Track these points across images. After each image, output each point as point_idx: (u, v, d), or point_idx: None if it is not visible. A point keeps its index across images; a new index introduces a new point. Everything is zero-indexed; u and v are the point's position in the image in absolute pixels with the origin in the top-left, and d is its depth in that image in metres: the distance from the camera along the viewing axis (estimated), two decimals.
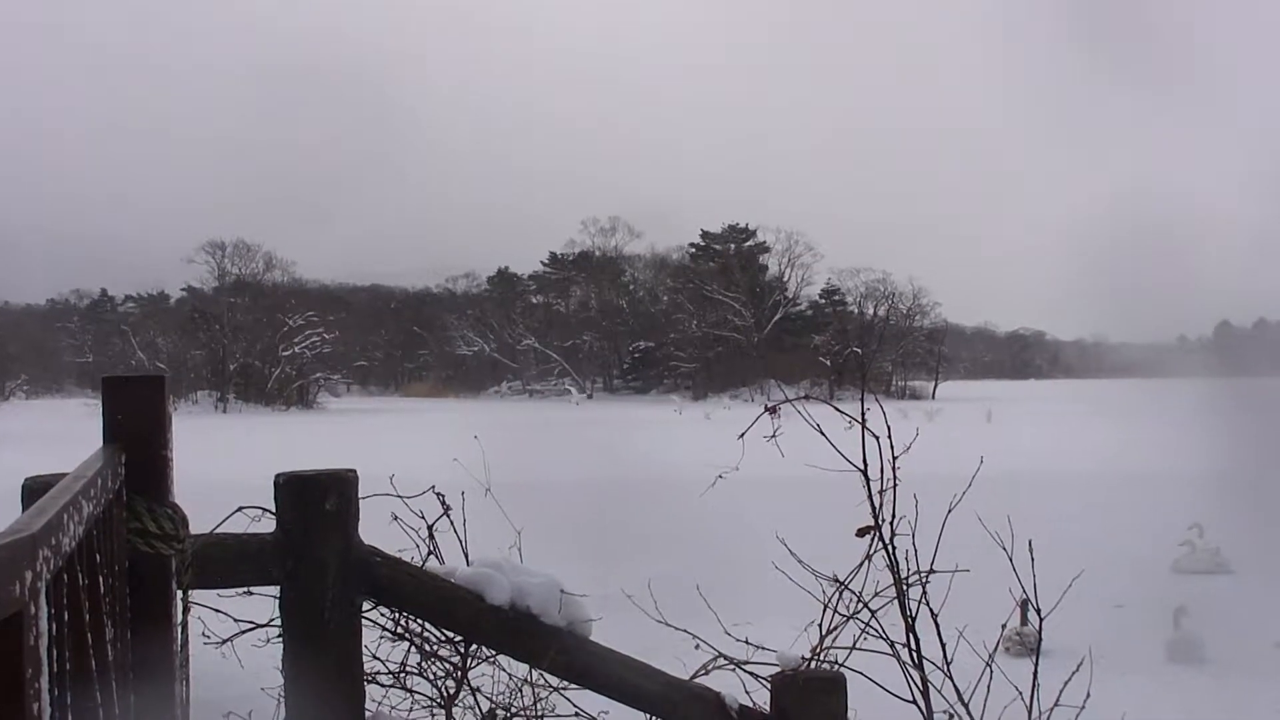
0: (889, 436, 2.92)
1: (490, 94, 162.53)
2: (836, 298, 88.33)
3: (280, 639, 2.59)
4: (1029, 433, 32.41)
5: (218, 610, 2.78)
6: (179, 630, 2.31)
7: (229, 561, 2.57)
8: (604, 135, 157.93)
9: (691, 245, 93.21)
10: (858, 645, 2.94)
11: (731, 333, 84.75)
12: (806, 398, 3.15)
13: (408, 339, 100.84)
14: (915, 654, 2.99)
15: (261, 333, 74.03)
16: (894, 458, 2.92)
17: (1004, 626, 4.26)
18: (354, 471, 2.63)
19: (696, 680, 2.88)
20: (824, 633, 2.95)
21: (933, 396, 76.90)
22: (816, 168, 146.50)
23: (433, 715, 2.86)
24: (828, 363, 75.14)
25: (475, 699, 2.87)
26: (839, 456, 2.97)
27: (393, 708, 2.88)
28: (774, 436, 2.98)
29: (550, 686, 2.90)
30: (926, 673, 2.99)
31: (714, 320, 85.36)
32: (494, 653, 2.82)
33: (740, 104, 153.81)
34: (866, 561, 2.97)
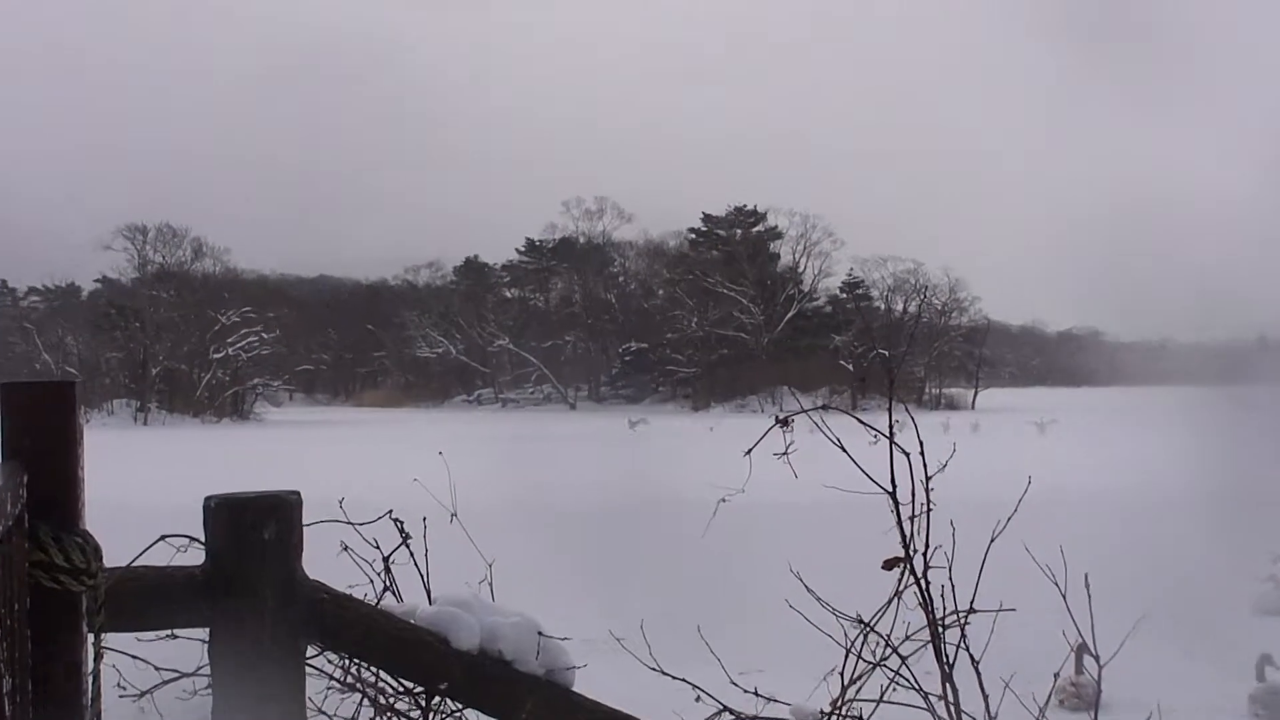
0: (921, 453, 2.92)
1: (460, 65, 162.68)
2: (859, 292, 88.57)
3: (209, 690, 2.58)
4: (1086, 449, 32.52)
5: (136, 657, 2.76)
6: (90, 681, 2.29)
7: (150, 599, 2.56)
8: (590, 111, 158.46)
9: (691, 230, 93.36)
10: (886, 697, 2.93)
11: (738, 332, 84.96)
12: (825, 408, 3.16)
13: (360, 339, 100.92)
14: (953, 707, 2.98)
15: (189, 331, 73.97)
16: (927, 478, 2.91)
17: (1057, 676, 4.26)
18: (297, 494, 2.62)
19: None
20: (846, 682, 2.95)
21: (972, 406, 77.44)
22: (834, 146, 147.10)
23: None
24: (849, 367, 75.51)
25: None
26: (863, 476, 2.97)
27: None
28: (786, 453, 2.98)
29: None
30: None
31: (717, 318, 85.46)
32: (460, 706, 2.81)
33: (749, 79, 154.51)
34: (895, 599, 2.97)
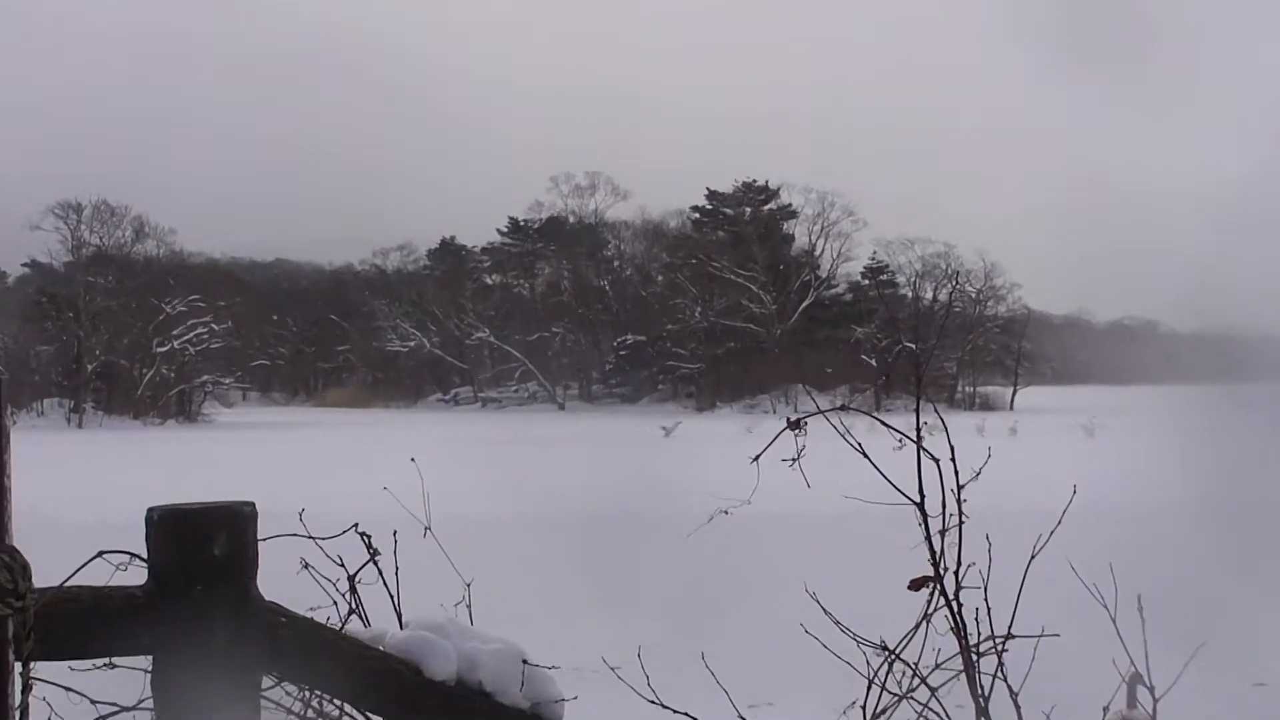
0: (952, 459, 2.92)
1: (436, 29, 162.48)
2: (884, 278, 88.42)
3: None
4: (1140, 455, 32.43)
5: (69, 689, 2.76)
6: (16, 716, 2.29)
7: (85, 624, 2.55)
8: (583, 78, 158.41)
9: (694, 209, 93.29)
10: None
11: (747, 324, 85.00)
12: (844, 408, 3.16)
13: (323, 331, 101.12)
14: None
15: (129, 322, 73.89)
16: (959, 487, 2.91)
17: (1106, 710, 4.26)
18: (251, 505, 2.62)
19: None
20: (869, 716, 2.95)
21: (1010, 406, 77.55)
22: (855, 118, 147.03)
23: None
24: (873, 363, 75.63)
25: None
26: (887, 486, 2.97)
27: None
28: (797, 459, 2.98)
29: None
30: None
31: (724, 307, 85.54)
32: None
33: (760, 43, 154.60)
34: (924, 623, 2.97)
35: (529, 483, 24.49)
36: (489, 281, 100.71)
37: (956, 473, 2.87)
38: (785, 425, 3.05)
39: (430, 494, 3.78)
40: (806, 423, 3.01)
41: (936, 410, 3.11)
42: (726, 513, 3.21)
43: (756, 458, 2.98)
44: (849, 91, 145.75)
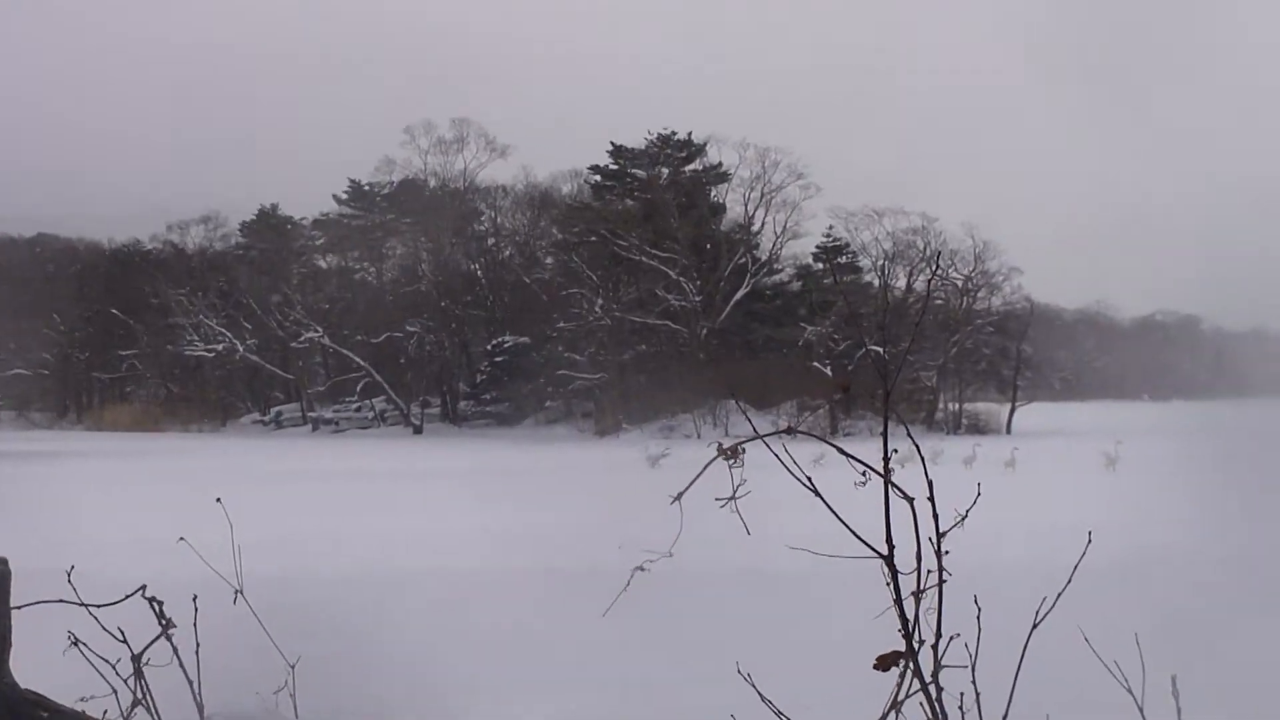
0: (931, 498, 2.91)
1: None
2: (843, 259, 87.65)
3: None
4: (1178, 492, 32.63)
5: None
6: None
7: None
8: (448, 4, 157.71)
9: (594, 170, 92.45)
10: None
11: (663, 320, 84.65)
12: (790, 431, 3.13)
13: (101, 331, 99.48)
14: None
15: None
16: (939, 535, 2.91)
17: None
18: (3, 562, 2.57)
19: None
20: None
21: (1007, 429, 77.37)
22: (807, 62, 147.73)
23: None
24: (827, 371, 75.67)
25: None
26: (846, 533, 2.96)
27: None
28: (733, 499, 2.95)
29: None
30: None
31: (633, 298, 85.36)
32: None
33: None
34: (893, 713, 2.97)
35: (374, 524, 24.28)
36: (323, 265, 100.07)
37: (936, 516, 2.89)
38: (716, 454, 3.03)
39: (244, 546, 3.73)
40: (743, 450, 2.98)
41: (910, 434, 3.12)
42: (642, 569, 3.20)
43: (678, 497, 2.96)
44: (799, 35, 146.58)
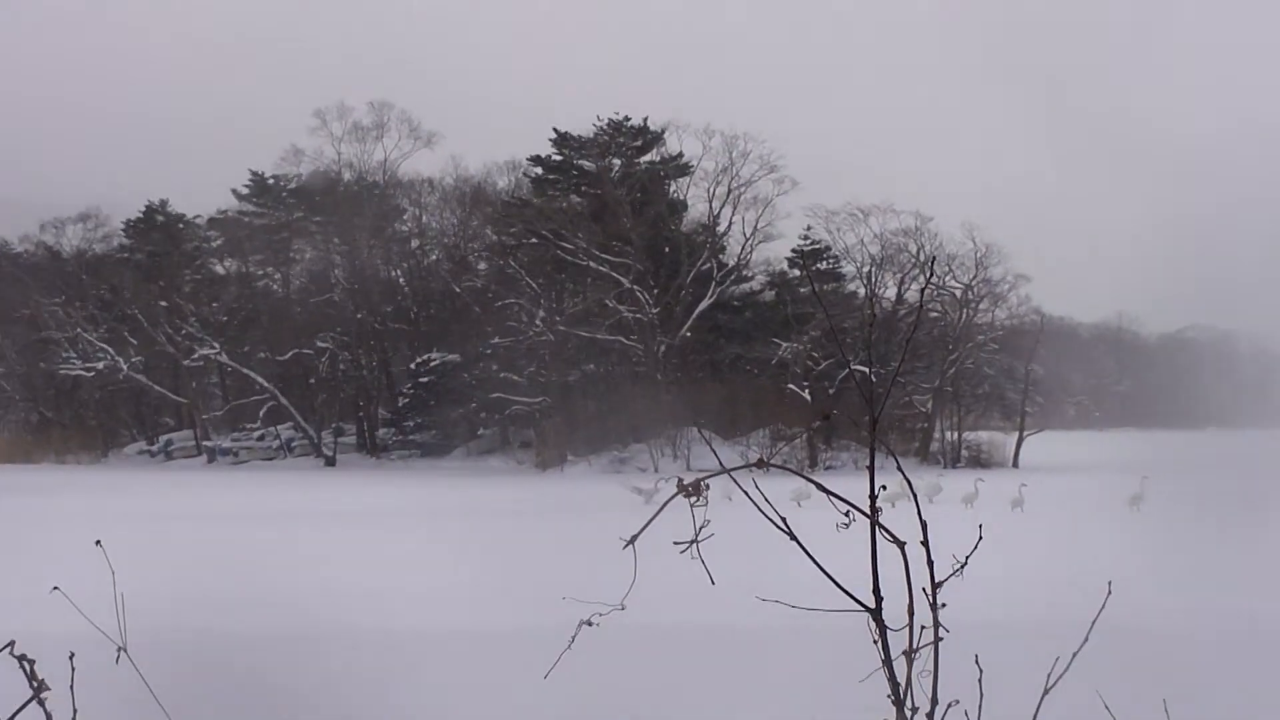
0: (925, 543, 2.92)
1: None
2: (824, 265, 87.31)
3: None
4: (1211, 537, 32.70)
5: None
6: None
7: None
8: None
9: (534, 161, 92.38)
10: None
11: (615, 336, 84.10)
12: (762, 464, 3.09)
13: None
14: None
15: None
16: (934, 585, 2.91)
17: None
18: None
19: None
20: None
21: (1014, 462, 77.44)
22: (784, 39, 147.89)
23: None
24: (805, 395, 75.64)
25: None
26: (826, 583, 2.96)
27: None
28: (694, 543, 2.95)
29: None
30: None
31: (580, 311, 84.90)
32: None
33: None
34: None
35: (277, 572, 24.25)
36: (220, 270, 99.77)
37: (931, 564, 2.93)
38: (675, 490, 3.03)
39: (129, 596, 3.73)
40: (708, 486, 2.98)
41: (901, 468, 3.14)
42: (590, 623, 3.20)
43: (632, 540, 2.96)
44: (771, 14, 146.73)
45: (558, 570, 22.05)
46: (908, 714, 3.00)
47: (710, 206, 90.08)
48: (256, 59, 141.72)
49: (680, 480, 3.03)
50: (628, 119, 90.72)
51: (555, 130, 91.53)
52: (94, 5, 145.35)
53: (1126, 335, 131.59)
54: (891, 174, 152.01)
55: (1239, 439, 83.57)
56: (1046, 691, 3.21)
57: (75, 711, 3.05)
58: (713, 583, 3.01)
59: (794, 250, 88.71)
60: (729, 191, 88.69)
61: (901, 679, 3.01)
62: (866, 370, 65.78)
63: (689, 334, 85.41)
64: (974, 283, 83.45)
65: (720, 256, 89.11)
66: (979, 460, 78.62)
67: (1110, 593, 3.89)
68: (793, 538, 3.04)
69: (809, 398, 75.04)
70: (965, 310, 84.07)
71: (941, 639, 3.01)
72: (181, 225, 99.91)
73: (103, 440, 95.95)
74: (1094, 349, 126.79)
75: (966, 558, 3.08)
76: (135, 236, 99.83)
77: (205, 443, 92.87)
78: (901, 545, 3.01)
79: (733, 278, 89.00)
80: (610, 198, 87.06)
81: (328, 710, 13.30)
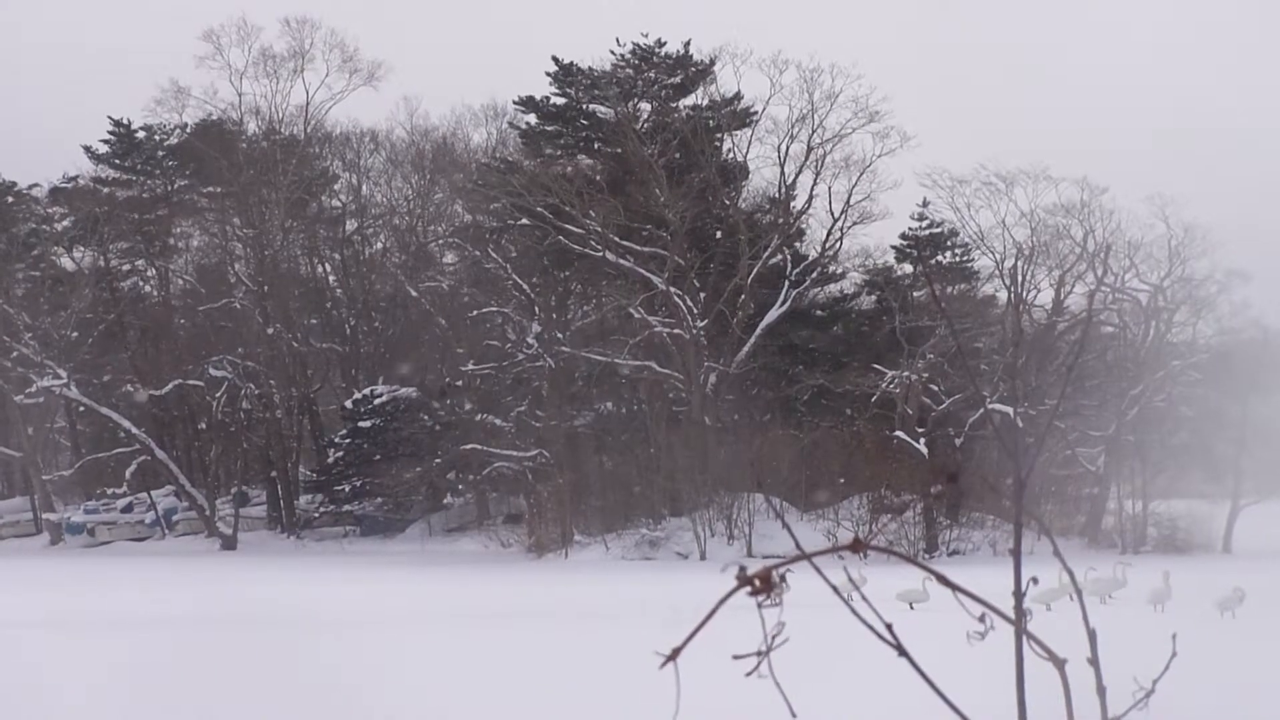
0: (1093, 659, 2.63)
1: None
2: (948, 257, 71.07)
3: None
4: None
5: None
6: None
7: None
8: None
9: (522, 106, 74.39)
10: None
11: (643, 361, 66.76)
12: (858, 547, 2.61)
13: None
14: None
15: None
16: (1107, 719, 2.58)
17: None
18: None
19: None
20: None
21: (1224, 547, 61.61)
22: None
23: None
24: (920, 446, 60.70)
25: None
26: (948, 713, 2.54)
27: None
28: (766, 655, 2.52)
29: None
30: None
31: (592, 323, 70.98)
32: None
33: None
34: None
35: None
36: (68, 263, 78.86)
37: (1102, 690, 2.59)
38: (735, 584, 2.59)
39: None
40: (782, 579, 2.57)
41: (1059, 554, 2.69)
42: None
43: (674, 655, 2.58)
44: None
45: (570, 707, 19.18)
46: None
47: (782, 172, 71.87)
48: None
49: (742, 569, 2.53)
50: (661, 43, 72.14)
51: (556, 60, 72.55)
52: None
53: None
54: (1046, 126, 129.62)
55: None
56: None
57: None
58: (793, 715, 2.52)
59: (904, 236, 71.40)
60: (809, 150, 70.55)
61: None
62: (1010, 411, 57.36)
63: (751, 358, 68.15)
64: (1166, 283, 65.78)
65: (797, 245, 72.42)
66: (1173, 543, 61.58)
67: None
68: (903, 653, 2.53)
69: (925, 451, 61.60)
70: (1154, 323, 66.76)
71: None
72: (11, 198, 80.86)
73: None
74: None
75: (1154, 682, 2.68)
76: None
77: (47, 516, 75.91)
78: (1060, 664, 2.60)
79: (815, 276, 72.11)
80: (636, 159, 69.15)
81: None
